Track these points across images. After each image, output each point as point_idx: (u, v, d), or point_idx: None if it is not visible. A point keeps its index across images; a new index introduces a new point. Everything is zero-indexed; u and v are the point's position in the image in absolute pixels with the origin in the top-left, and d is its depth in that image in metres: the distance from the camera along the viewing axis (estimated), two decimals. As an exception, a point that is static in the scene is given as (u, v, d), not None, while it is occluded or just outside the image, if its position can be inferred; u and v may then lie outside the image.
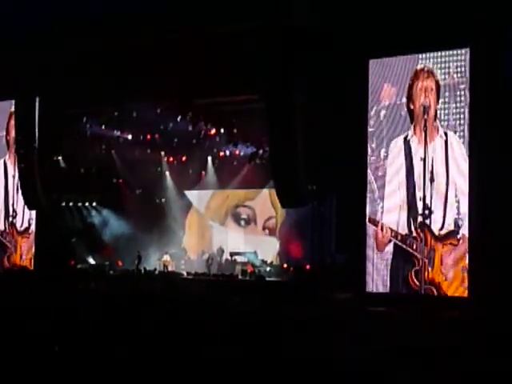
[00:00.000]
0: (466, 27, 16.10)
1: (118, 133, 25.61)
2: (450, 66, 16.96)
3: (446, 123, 17.03)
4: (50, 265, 22.51)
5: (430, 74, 17.27)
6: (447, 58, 17.03)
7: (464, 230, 16.52)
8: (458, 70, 16.87)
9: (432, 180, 17.04)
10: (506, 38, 15.94)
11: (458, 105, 16.88)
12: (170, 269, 24.97)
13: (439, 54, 17.10)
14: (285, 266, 23.74)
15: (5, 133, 24.38)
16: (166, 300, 12.18)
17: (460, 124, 16.84)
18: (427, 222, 17.03)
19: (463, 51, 16.75)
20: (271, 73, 17.92)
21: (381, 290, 17.40)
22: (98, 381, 7.78)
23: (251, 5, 17.76)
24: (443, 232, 16.84)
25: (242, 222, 27.34)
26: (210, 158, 27.10)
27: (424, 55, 17.30)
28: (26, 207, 23.49)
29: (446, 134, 16.97)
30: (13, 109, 23.26)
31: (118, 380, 7.77)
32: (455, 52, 16.89)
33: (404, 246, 17.33)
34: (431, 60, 17.21)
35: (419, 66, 17.41)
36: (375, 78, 17.98)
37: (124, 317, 10.14)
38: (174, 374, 7.78)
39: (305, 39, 17.66)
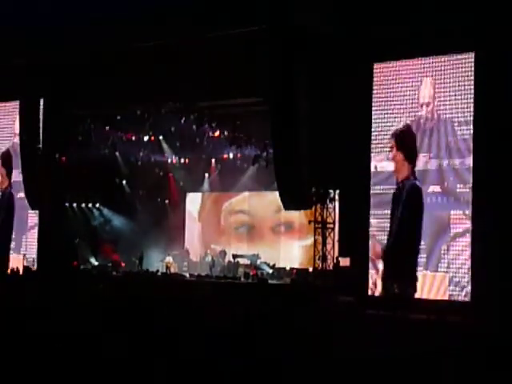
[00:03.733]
0: (470, 32, 16.13)
1: (122, 134, 25.67)
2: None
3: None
4: (53, 265, 22.54)
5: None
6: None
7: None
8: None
9: None
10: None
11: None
12: (172, 270, 24.99)
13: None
14: (287, 268, 23.75)
15: None
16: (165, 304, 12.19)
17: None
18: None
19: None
20: (274, 75, 17.95)
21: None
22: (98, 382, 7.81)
23: (255, 8, 17.79)
24: None
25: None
26: (213, 160, 27.15)
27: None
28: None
29: None
30: None
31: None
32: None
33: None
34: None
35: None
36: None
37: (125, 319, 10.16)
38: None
39: (308, 42, 17.69)
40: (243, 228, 27.33)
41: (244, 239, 27.00)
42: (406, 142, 17.61)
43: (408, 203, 17.22)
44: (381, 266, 17.61)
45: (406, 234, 17.27)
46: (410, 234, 17.19)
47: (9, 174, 24.35)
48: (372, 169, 18.00)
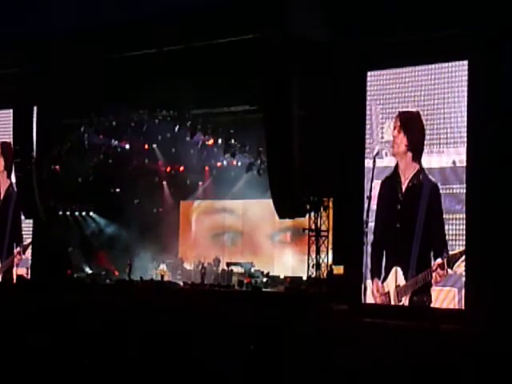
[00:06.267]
0: (464, 41, 16.19)
1: (116, 142, 25.64)
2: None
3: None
4: (47, 274, 22.48)
5: None
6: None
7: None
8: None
9: None
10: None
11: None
12: (166, 279, 24.95)
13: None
14: (281, 276, 23.73)
15: None
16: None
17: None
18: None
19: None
20: (269, 84, 17.97)
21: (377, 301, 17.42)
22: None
23: (250, 17, 17.83)
24: None
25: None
26: (207, 168, 27.16)
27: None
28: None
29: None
30: None
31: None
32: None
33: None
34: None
35: None
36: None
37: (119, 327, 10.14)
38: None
39: (303, 51, 17.72)
40: (227, 236, 27.32)
41: (227, 250, 26.91)
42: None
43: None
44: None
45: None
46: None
47: (8, 169, 24.12)
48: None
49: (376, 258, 17.49)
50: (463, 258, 16.25)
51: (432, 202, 16.83)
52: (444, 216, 16.62)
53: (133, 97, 20.75)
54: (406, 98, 17.43)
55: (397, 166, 17.50)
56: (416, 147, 17.19)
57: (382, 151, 17.69)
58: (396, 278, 17.18)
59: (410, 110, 17.33)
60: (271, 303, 18.22)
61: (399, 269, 17.12)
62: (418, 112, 17.17)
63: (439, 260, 16.53)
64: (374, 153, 17.67)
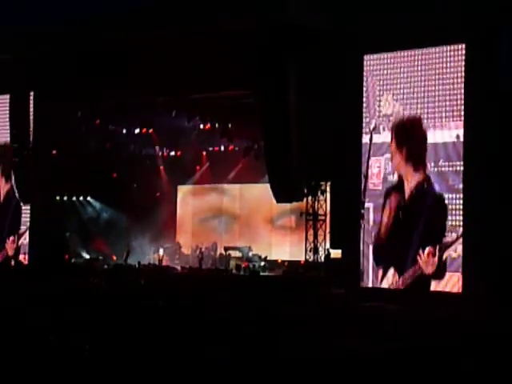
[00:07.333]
0: (461, 23, 16.13)
1: (113, 127, 25.61)
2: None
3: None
4: (45, 259, 22.48)
5: None
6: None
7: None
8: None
9: None
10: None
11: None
12: (164, 263, 24.99)
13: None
14: (279, 260, 23.78)
15: None
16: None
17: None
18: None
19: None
20: (265, 69, 17.93)
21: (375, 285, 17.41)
22: (92, 376, 7.80)
23: (247, 2, 17.76)
24: None
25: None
26: (204, 153, 27.20)
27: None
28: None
29: None
30: None
31: (112, 377, 7.79)
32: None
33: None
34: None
35: None
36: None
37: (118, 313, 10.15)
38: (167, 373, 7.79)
39: (299, 36, 17.68)
40: (224, 220, 27.37)
41: (224, 234, 26.95)
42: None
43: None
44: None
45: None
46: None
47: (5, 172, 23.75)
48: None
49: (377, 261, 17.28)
50: (455, 244, 16.10)
51: (435, 213, 16.42)
52: (445, 201, 16.47)
53: (131, 82, 20.67)
54: (404, 74, 17.33)
55: (400, 176, 17.12)
56: (415, 158, 16.82)
57: (380, 126, 17.52)
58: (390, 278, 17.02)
59: (407, 116, 16.99)
60: (269, 287, 18.24)
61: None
62: (414, 117, 16.89)
63: (430, 248, 16.29)
64: (371, 127, 17.49)
